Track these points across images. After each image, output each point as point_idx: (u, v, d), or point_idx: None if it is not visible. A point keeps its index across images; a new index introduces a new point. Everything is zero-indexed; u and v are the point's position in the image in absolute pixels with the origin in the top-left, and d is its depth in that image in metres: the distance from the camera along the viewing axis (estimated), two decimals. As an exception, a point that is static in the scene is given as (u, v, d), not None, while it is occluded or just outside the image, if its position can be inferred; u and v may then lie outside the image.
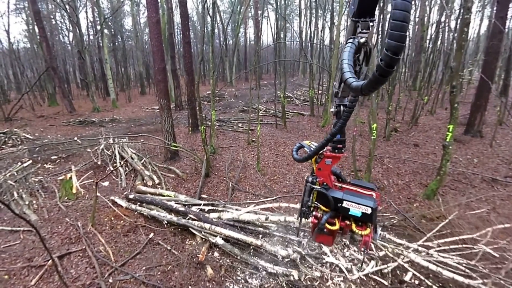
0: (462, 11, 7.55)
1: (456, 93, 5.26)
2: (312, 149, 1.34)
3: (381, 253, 4.19)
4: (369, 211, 1.25)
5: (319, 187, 1.36)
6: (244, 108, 16.28)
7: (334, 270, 4.01)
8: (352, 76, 0.81)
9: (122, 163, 7.60)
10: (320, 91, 17.39)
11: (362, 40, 0.93)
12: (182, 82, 17.70)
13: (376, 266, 4.02)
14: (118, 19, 29.17)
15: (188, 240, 4.76)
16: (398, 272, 3.98)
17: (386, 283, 3.78)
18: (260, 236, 4.65)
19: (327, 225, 1.36)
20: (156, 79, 8.46)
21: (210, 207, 5.34)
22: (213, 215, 4.99)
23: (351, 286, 3.76)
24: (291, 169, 7.77)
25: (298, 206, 5.33)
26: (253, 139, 10.29)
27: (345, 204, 1.30)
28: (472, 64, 19.33)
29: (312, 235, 1.47)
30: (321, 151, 1.36)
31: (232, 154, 8.95)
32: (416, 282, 3.86)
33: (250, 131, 10.55)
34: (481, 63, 11.70)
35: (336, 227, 1.36)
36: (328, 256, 4.20)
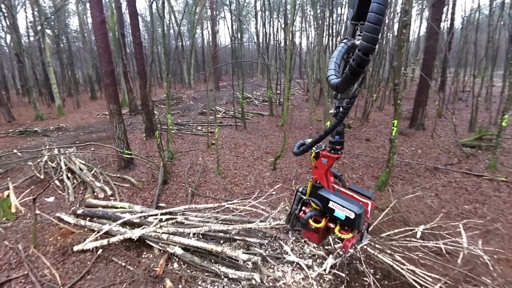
0: (401, 14, 8.17)
1: (399, 90, 5.65)
2: (308, 144, 1.38)
3: (337, 246, 4.34)
4: (352, 216, 1.24)
5: (306, 198, 1.42)
6: (203, 110, 15.99)
7: (295, 268, 4.06)
8: (333, 74, 0.86)
9: (67, 174, 6.97)
10: (278, 91, 17.70)
11: (358, 42, 0.94)
12: (136, 85, 16.86)
13: (335, 259, 4.15)
14: (62, 18, 26.88)
15: (144, 253, 4.49)
16: (354, 262, 4.15)
17: (343, 274, 3.91)
18: (221, 241, 4.56)
19: (310, 222, 1.38)
20: (104, 83, 7.93)
21: (168, 216, 5.11)
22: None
23: (312, 283, 3.84)
24: (251, 170, 7.77)
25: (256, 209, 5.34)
26: (213, 141, 10.13)
27: (330, 204, 1.30)
28: (414, 63, 21.09)
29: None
30: (318, 150, 1.39)
31: (191, 158, 8.71)
32: (372, 270, 4.07)
33: (209, 134, 10.37)
34: (421, 62, 12.80)
35: (321, 225, 1.37)
36: (289, 255, 4.25)
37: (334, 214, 1.30)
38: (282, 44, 21.99)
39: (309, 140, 1.48)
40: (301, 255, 4.37)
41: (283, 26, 17.70)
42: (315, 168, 1.40)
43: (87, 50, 26.42)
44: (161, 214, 5.13)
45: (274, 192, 5.86)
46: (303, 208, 1.46)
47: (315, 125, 11.33)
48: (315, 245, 4.51)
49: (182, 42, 32.03)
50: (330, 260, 4.14)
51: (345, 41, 0.97)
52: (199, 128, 12.46)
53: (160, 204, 6.04)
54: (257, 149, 9.38)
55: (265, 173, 7.55)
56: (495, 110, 11.89)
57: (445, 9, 16.66)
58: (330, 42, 18.75)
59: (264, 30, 20.02)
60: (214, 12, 30.22)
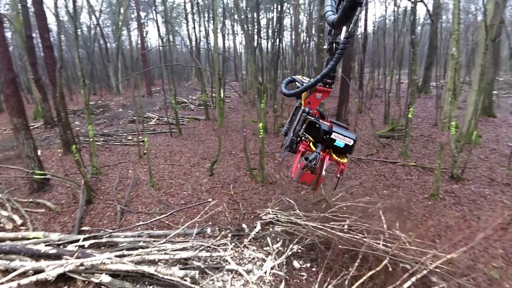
0: (318, 18, 8.81)
1: (321, 91, 6.04)
2: (304, 84, 1.31)
3: (275, 246, 4.43)
4: (351, 142, 1.37)
5: (313, 118, 1.37)
6: (134, 118, 14.89)
7: (235, 275, 4.00)
8: (330, 10, 0.88)
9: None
10: (214, 95, 17.52)
11: None
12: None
13: (274, 261, 4.22)
14: None
15: (64, 288, 3.92)
16: (291, 259, 4.28)
17: (282, 273, 4.00)
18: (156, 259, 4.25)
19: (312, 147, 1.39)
20: (4, 94, 6.77)
21: (92, 241, 4.57)
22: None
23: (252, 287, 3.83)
24: (188, 178, 7.48)
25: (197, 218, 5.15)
26: (145, 151, 9.48)
27: (333, 135, 1.38)
28: (337, 64, 23.02)
29: (295, 174, 1.45)
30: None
31: (121, 172, 8.00)
32: (308, 265, 4.25)
33: (141, 143, 9.68)
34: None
35: (335, 158, 1.41)
36: (229, 263, 4.17)
37: (334, 143, 1.39)
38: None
39: (299, 77, 1.49)
40: (241, 261, 4.33)
41: (212, 29, 17.53)
42: (308, 104, 1.41)
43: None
44: (84, 239, 4.57)
45: (210, 200, 5.72)
46: (299, 145, 1.44)
47: (251, 127, 11.51)
48: (255, 248, 4.52)
49: (106, 45, 29.30)
50: (270, 262, 4.20)
51: None
52: (130, 137, 11.55)
53: (83, 228, 5.38)
54: (194, 156, 9.10)
55: (202, 180, 7.35)
56: (403, 104, 13.69)
57: (360, 15, 18.60)
58: (262, 45, 19.28)
59: (195, 33, 19.62)
60: (141, 13, 28.49)
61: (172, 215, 5.76)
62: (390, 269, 3.65)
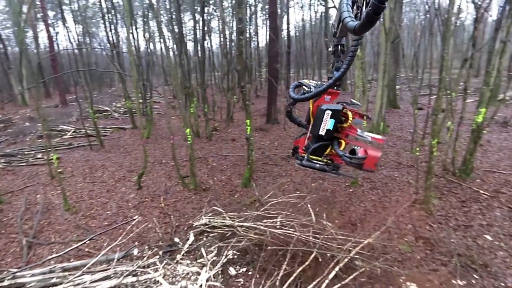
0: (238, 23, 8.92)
1: (246, 92, 6.11)
2: (313, 89, 1.35)
3: (210, 256, 4.29)
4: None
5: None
6: (45, 132, 12.96)
7: (167, 295, 3.73)
8: (348, 16, 0.88)
9: None
10: (141, 101, 16.37)
11: None
12: None
13: (210, 271, 4.07)
14: None
15: None
16: (227, 266, 4.20)
17: (218, 284, 3.88)
18: None
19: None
20: None
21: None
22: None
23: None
24: (112, 195, 6.79)
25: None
26: (60, 170, 8.31)
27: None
28: (264, 65, 23.87)
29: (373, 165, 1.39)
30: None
31: (28, 197, 6.84)
32: (244, 269, 4.22)
33: (55, 161, 8.43)
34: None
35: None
36: (161, 284, 3.87)
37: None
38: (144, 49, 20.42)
39: (306, 81, 1.51)
40: (174, 278, 4.06)
41: (131, 31, 16.35)
42: (316, 106, 1.47)
43: None
44: (-28, 288, 3.73)
45: (136, 217, 5.27)
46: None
47: (182, 133, 11.07)
48: (189, 261, 4.29)
49: (6, 49, 24.89)
50: (205, 274, 4.03)
51: None
52: (39, 156, 9.98)
53: (-26, 273, 4.40)
54: (119, 169, 8.31)
55: (129, 195, 6.74)
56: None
57: (285, 19, 19.61)
58: (188, 47, 18.76)
59: (112, 35, 18.00)
60: (49, 12, 25.00)
61: (92, 240, 5.13)
62: (320, 259, 3.85)
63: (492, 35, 6.77)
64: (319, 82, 1.56)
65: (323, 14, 16.86)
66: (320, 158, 1.52)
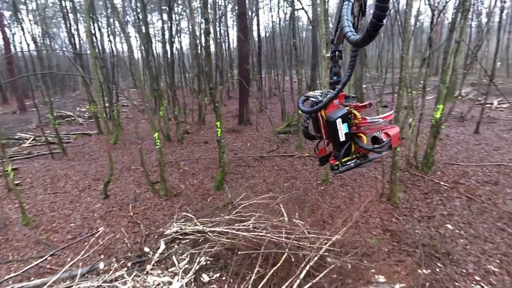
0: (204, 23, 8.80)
1: (215, 94, 6.02)
2: (321, 98, 1.43)
3: (182, 264, 4.16)
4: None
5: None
6: (4, 141, 11.96)
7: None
8: (349, 31, 0.90)
9: None
10: (107, 104, 15.63)
11: None
12: None
13: (182, 280, 3.94)
14: None
15: None
16: (200, 273, 4.09)
17: (191, 291, 3.77)
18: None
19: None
20: None
21: None
22: None
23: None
24: (76, 206, 6.39)
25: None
26: (17, 181, 7.69)
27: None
28: (236, 66, 23.79)
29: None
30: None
31: (-21, 214, 6.25)
32: (217, 275, 4.13)
33: (10, 172, 7.77)
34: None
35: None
36: (128, 297, 3.68)
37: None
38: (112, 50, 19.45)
39: (311, 93, 1.53)
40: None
41: (93, 31, 15.57)
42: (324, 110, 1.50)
43: None
44: None
45: (102, 228, 5.00)
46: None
47: (153, 137, 10.70)
48: (160, 271, 4.13)
49: None
50: (176, 284, 3.89)
51: None
52: (-8, 167, 9.18)
53: None
54: (84, 178, 7.85)
55: (95, 205, 6.38)
56: (296, 101, 15.08)
57: (255, 20, 19.65)
58: (155, 49, 18.23)
59: (73, 36, 17.03)
60: (5, 12, 23.12)
61: (55, 256, 4.79)
62: (292, 259, 3.86)
63: (447, 36, 7.18)
64: (322, 91, 1.64)
65: (291, 15, 17.14)
66: (350, 157, 1.58)
